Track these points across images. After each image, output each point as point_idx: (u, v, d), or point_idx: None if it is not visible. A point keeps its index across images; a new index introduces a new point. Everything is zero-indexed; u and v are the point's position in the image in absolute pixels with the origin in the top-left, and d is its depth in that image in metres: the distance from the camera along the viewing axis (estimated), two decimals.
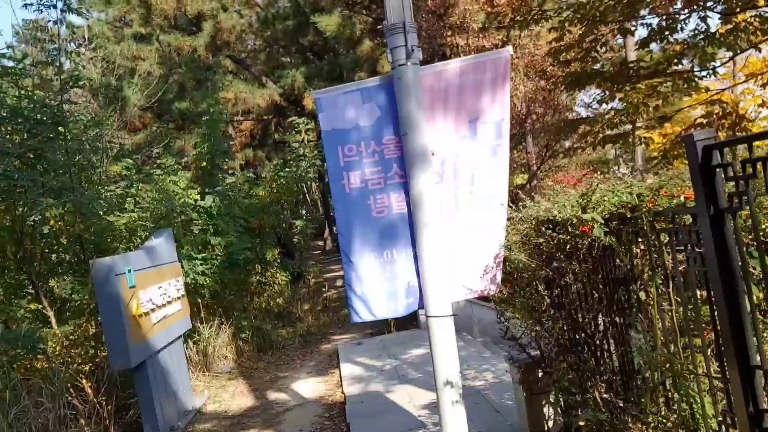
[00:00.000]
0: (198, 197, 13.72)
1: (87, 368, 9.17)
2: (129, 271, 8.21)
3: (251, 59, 27.88)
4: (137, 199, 12.23)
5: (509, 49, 5.36)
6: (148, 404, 8.27)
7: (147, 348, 8.36)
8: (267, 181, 16.80)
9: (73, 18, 24.00)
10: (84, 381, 8.91)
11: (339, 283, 23.58)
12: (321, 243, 37.77)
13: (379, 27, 18.82)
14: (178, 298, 10.15)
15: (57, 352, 9.38)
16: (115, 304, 7.80)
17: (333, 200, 5.61)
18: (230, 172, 18.08)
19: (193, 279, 12.01)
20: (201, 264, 12.71)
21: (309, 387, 10.16)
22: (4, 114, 8.93)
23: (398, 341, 11.73)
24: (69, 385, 8.44)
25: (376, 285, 5.41)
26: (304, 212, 22.81)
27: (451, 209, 5.34)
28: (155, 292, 9.01)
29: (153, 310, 8.86)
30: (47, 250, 10.17)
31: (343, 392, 9.17)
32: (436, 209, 5.10)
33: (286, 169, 16.49)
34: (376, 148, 5.38)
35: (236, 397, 10.27)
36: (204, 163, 15.18)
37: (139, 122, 23.00)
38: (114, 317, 7.80)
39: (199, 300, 12.80)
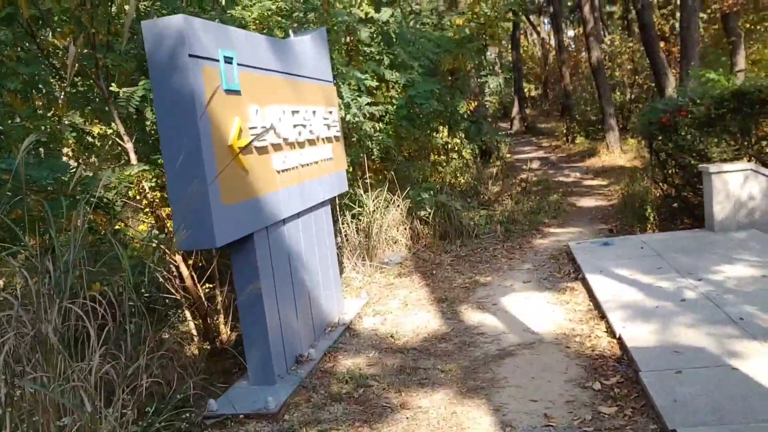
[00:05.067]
0: (371, 9, 9.41)
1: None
2: (227, 60, 4.17)
3: None
4: None
5: None
6: (256, 313, 4.46)
7: (257, 214, 4.45)
8: (469, 4, 12.03)
9: None
10: (179, 260, 5.33)
11: (535, 165, 18.87)
12: (506, 125, 32.84)
13: None
14: (329, 140, 6.13)
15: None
16: (188, 115, 3.82)
17: None
18: None
19: (356, 118, 7.93)
20: (369, 105, 8.59)
21: (534, 309, 5.89)
22: None
23: (677, 246, 7.03)
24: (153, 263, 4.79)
25: None
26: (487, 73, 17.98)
27: None
28: (284, 117, 5.00)
29: (277, 147, 4.88)
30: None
31: (616, 337, 4.79)
32: None
33: None
34: None
35: (410, 309, 6.28)
36: None
37: None
38: (183, 143, 3.86)
39: (364, 157, 8.78)
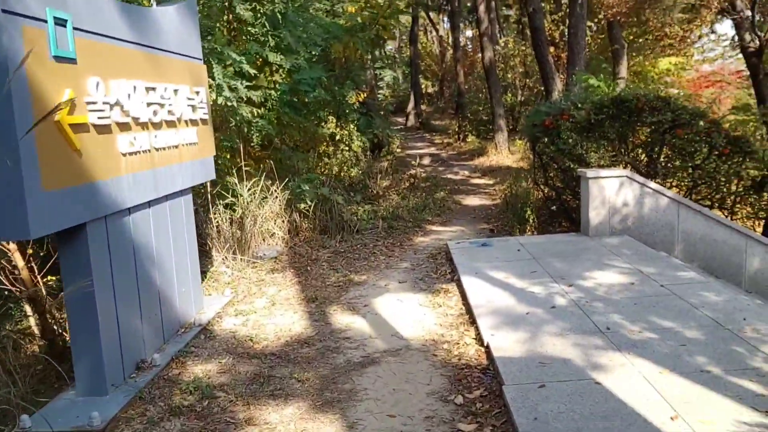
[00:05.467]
0: None
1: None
2: (59, 21, 3.59)
3: None
4: None
5: None
6: (86, 313, 3.92)
7: (93, 202, 3.89)
8: None
9: None
10: (12, 248, 4.70)
11: (426, 161, 18.90)
12: (401, 120, 32.87)
13: None
14: (194, 122, 5.59)
15: None
16: None
17: None
18: None
19: (231, 102, 7.40)
20: (248, 89, 8.06)
21: (406, 312, 5.63)
22: None
23: (553, 250, 7.00)
24: None
25: None
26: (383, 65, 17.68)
27: None
28: (135, 94, 4.44)
29: (124, 127, 4.31)
30: None
31: (484, 346, 4.59)
32: None
33: None
34: None
35: (276, 309, 5.85)
36: None
37: None
38: None
39: (240, 143, 8.25)
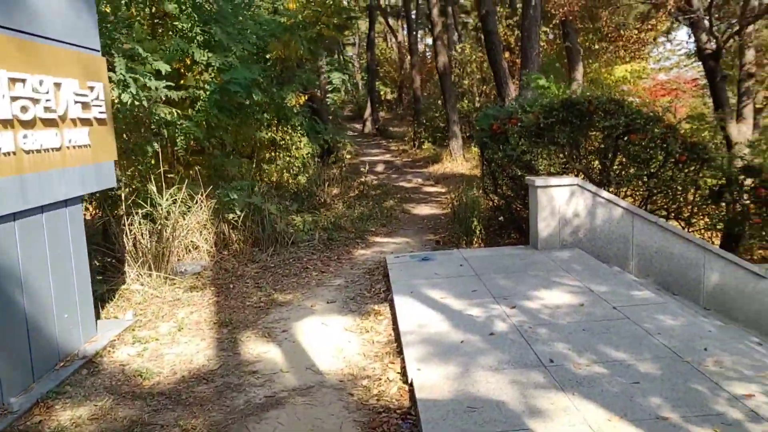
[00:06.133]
0: None
1: None
2: None
3: None
4: None
5: None
6: None
7: None
8: None
9: None
10: None
11: (379, 168, 18.34)
12: (359, 126, 32.22)
13: None
14: (86, 122, 4.85)
15: None
16: None
17: None
18: None
19: (137, 100, 6.64)
20: (169, 89, 7.31)
21: (328, 339, 4.95)
22: None
23: (498, 265, 6.40)
24: None
25: None
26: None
27: None
28: None
29: None
30: None
31: (407, 384, 3.93)
32: None
33: None
34: None
35: (182, 336, 5.11)
36: None
37: None
38: None
39: (159, 147, 7.50)
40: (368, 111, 31.07)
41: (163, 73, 7.16)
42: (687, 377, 3.64)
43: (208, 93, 8.36)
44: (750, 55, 10.40)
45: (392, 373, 4.15)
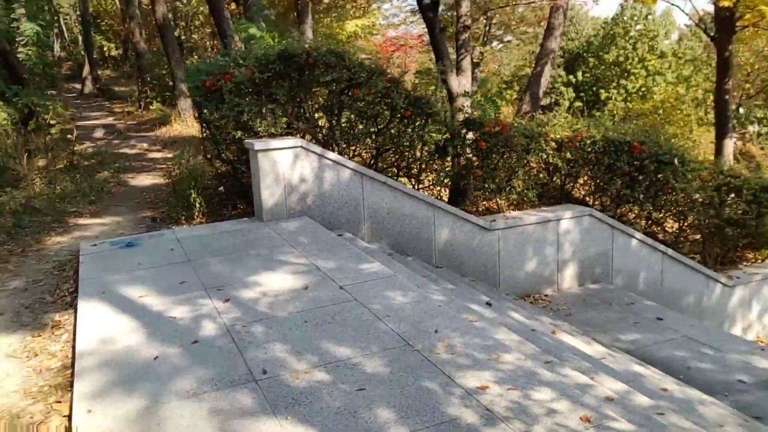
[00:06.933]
0: None
1: None
2: None
3: None
4: None
5: None
6: None
7: None
8: None
9: None
10: None
11: (98, 134, 16.27)
12: (78, 86, 28.62)
13: None
14: None
15: None
16: None
17: None
18: None
19: None
20: None
21: None
22: None
23: (216, 246, 5.52)
24: None
25: None
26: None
27: None
28: None
29: None
30: None
31: None
32: None
33: None
34: None
35: None
36: None
37: None
38: None
39: None
40: (86, 69, 27.68)
41: None
42: (418, 373, 3.14)
43: None
44: (465, 7, 10.58)
45: (57, 418, 3.11)
